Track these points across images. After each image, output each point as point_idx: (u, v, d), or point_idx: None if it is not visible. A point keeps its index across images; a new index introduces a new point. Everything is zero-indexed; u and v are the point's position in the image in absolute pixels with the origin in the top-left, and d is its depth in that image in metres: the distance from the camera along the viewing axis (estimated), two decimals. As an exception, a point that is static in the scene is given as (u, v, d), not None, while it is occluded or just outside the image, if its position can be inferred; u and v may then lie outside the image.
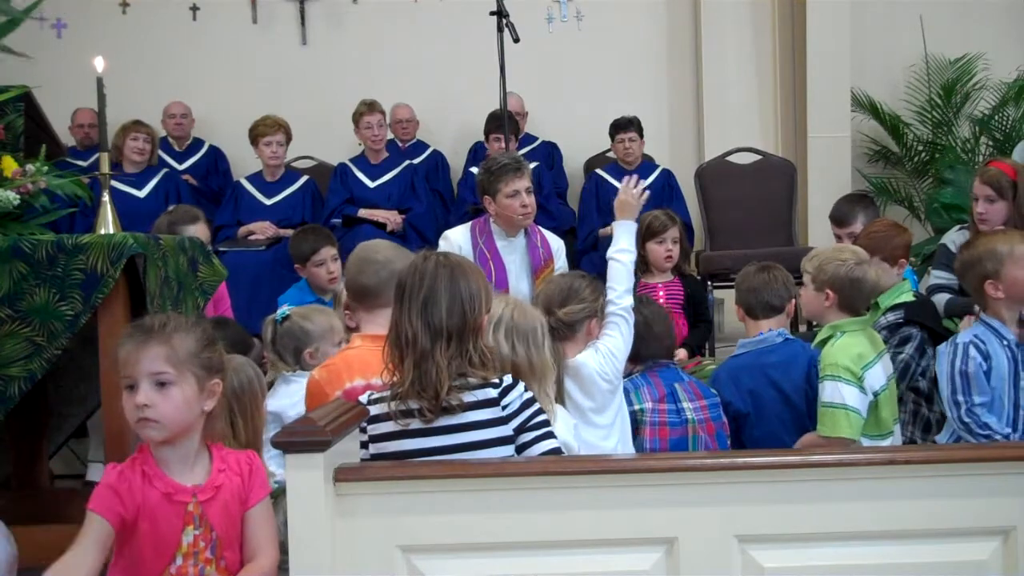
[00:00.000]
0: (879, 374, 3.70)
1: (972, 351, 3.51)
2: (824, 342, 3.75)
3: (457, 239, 5.03)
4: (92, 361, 3.68)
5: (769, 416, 3.94)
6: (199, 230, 4.98)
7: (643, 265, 5.44)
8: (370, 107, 7.15)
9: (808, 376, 3.88)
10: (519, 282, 4.94)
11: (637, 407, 3.70)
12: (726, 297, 6.66)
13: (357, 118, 7.18)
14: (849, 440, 3.54)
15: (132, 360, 2.43)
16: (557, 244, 5.18)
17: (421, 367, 2.57)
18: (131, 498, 2.42)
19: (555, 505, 2.37)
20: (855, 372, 3.60)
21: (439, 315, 2.59)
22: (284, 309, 4.02)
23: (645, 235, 5.41)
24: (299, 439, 2.31)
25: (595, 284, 3.59)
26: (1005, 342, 3.55)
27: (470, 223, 5.17)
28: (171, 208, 5.42)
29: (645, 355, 3.90)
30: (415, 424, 2.58)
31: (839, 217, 5.32)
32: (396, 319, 2.63)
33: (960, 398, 3.52)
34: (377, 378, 2.86)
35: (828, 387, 3.62)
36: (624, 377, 3.83)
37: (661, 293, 5.34)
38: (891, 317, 4.22)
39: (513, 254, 5.02)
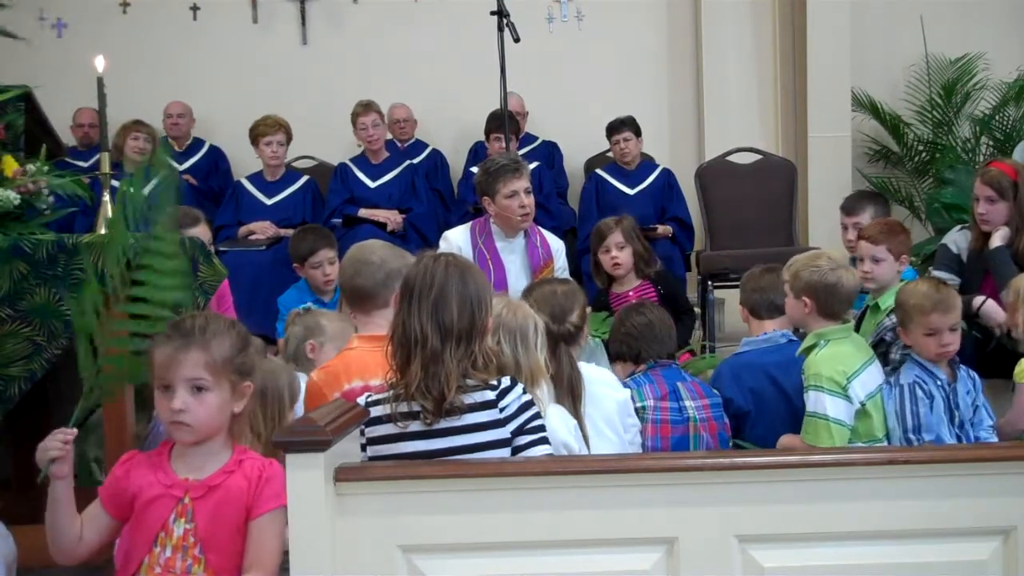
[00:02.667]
0: (867, 381, 3.68)
1: (919, 392, 3.58)
2: (809, 350, 3.73)
3: (457, 239, 5.04)
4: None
5: (770, 415, 3.94)
6: (200, 231, 4.95)
7: (606, 278, 5.40)
8: (366, 107, 7.14)
9: None
10: (518, 282, 4.94)
11: (639, 404, 3.71)
12: (726, 297, 6.66)
13: (354, 119, 7.18)
14: None
15: (171, 364, 2.46)
16: (557, 244, 5.18)
17: (430, 368, 2.55)
18: (128, 485, 2.50)
19: (555, 505, 2.37)
20: (839, 383, 3.58)
21: (450, 316, 2.57)
22: (310, 305, 4.00)
23: (594, 244, 5.38)
24: (299, 439, 2.30)
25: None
26: (939, 382, 3.60)
27: (470, 223, 5.18)
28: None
29: (647, 356, 3.92)
30: (414, 426, 2.57)
31: (848, 206, 5.32)
32: (403, 319, 2.61)
33: (912, 436, 3.57)
34: (376, 379, 2.86)
35: (812, 397, 3.60)
36: (626, 377, 3.85)
37: (633, 300, 5.27)
38: (894, 319, 4.21)
39: (512, 254, 5.03)
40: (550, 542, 2.37)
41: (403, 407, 2.57)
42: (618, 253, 5.31)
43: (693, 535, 2.35)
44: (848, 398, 3.59)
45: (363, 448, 2.61)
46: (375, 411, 2.61)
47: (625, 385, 3.73)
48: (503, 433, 2.59)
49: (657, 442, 3.74)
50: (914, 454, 2.61)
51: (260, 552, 2.44)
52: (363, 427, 2.60)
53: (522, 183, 4.93)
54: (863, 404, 3.64)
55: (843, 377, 3.59)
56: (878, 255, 4.32)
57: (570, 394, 3.29)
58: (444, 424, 2.57)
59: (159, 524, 2.45)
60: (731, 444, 3.88)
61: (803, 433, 3.63)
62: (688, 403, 3.81)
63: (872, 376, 3.72)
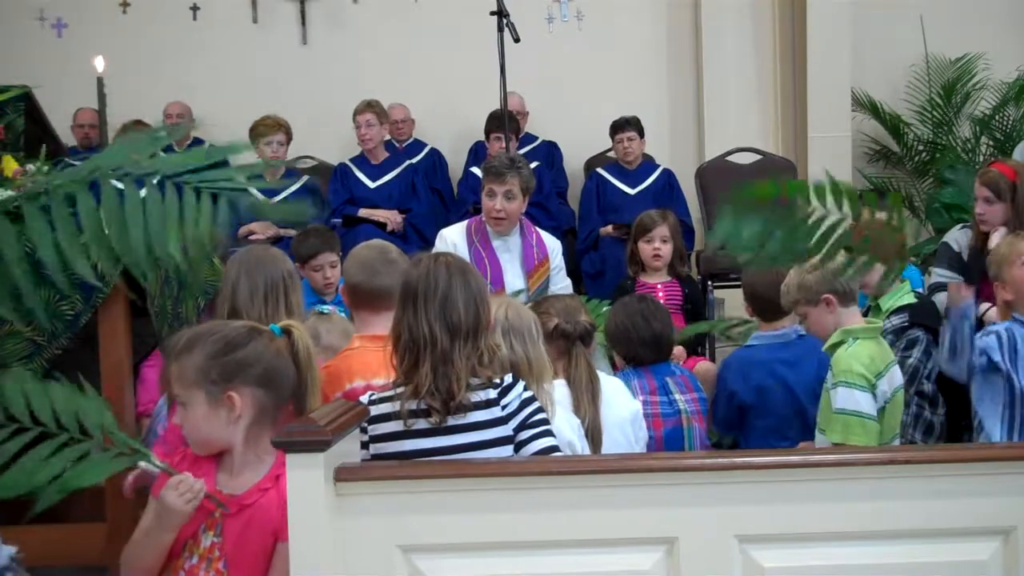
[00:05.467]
0: (893, 380, 3.67)
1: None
2: (834, 347, 3.70)
3: (453, 238, 5.07)
4: (92, 361, 3.68)
5: (773, 411, 3.94)
6: None
7: (639, 265, 5.47)
8: (367, 106, 7.14)
9: (818, 376, 3.85)
10: (515, 281, 4.97)
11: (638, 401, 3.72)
12: (726, 297, 6.67)
13: (353, 116, 7.18)
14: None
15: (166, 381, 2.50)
16: (553, 244, 5.20)
17: (439, 369, 2.56)
18: None
19: (555, 505, 2.37)
20: (869, 379, 3.56)
21: (457, 315, 2.59)
22: (327, 309, 3.98)
23: (636, 233, 5.45)
24: (299, 439, 2.30)
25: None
26: None
27: (466, 222, 5.21)
28: None
29: (642, 355, 3.94)
30: (419, 424, 2.58)
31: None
32: (408, 322, 2.61)
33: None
34: (378, 379, 2.87)
35: (842, 394, 3.53)
36: (615, 372, 3.88)
37: (660, 293, 5.35)
38: (895, 320, 4.19)
39: (508, 252, 5.05)
40: (550, 542, 2.37)
41: (410, 405, 2.58)
42: (661, 246, 5.36)
43: (693, 535, 2.35)
44: (875, 396, 3.57)
45: (365, 446, 2.62)
46: (378, 409, 2.62)
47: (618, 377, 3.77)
48: (506, 431, 2.61)
49: (650, 436, 3.75)
50: (914, 454, 2.61)
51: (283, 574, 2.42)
52: (365, 425, 2.60)
53: (502, 187, 4.94)
54: (887, 403, 3.62)
55: (873, 375, 3.57)
56: None
57: (589, 393, 3.32)
58: (448, 422, 2.58)
59: (189, 532, 2.45)
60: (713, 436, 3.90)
61: (829, 432, 3.55)
62: (678, 396, 3.85)
63: (896, 376, 3.70)
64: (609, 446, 3.32)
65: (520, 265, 5.03)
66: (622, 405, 3.48)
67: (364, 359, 3.09)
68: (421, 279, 2.63)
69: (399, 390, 2.61)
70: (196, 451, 2.50)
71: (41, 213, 1.93)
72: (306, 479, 2.30)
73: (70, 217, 1.93)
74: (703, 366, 5.02)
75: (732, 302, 5.92)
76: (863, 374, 3.55)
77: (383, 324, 3.16)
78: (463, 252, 4.91)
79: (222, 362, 2.45)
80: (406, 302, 2.64)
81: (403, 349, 2.62)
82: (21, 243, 1.92)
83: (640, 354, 3.93)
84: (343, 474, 2.36)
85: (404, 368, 2.62)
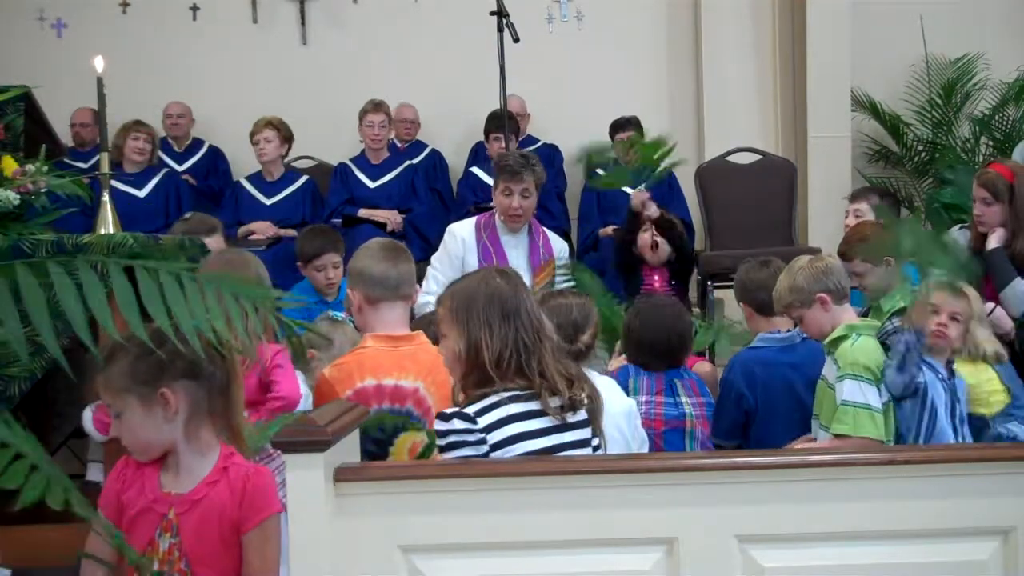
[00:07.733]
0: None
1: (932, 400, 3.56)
2: (836, 342, 3.69)
3: (461, 232, 5.13)
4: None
5: (780, 414, 3.93)
6: (216, 242, 4.84)
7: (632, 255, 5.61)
8: (376, 107, 7.17)
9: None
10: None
11: (631, 398, 3.71)
12: (726, 297, 6.66)
13: (361, 115, 7.19)
14: (876, 441, 3.47)
15: None
16: (560, 246, 5.24)
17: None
18: (120, 497, 2.47)
19: (555, 505, 2.37)
20: (876, 373, 3.55)
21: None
22: (341, 316, 3.97)
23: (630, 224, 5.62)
24: (299, 439, 2.31)
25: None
26: (940, 375, 3.57)
27: (476, 217, 5.25)
28: (188, 215, 5.35)
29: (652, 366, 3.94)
30: (546, 423, 2.63)
31: (852, 195, 5.47)
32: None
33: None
34: (389, 379, 2.88)
35: (849, 386, 3.52)
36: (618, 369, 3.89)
37: (655, 277, 5.64)
38: (896, 322, 4.18)
39: (516, 249, 5.10)
40: (550, 542, 2.38)
41: (535, 405, 2.63)
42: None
43: (693, 535, 2.36)
44: (880, 391, 3.56)
45: (480, 443, 2.58)
46: (497, 413, 2.60)
47: (622, 372, 3.76)
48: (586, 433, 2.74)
49: (650, 434, 3.75)
50: (914, 454, 2.61)
51: (255, 566, 2.41)
52: (481, 435, 2.57)
53: (519, 185, 4.99)
54: (889, 402, 3.62)
55: (878, 370, 3.57)
56: (855, 269, 4.18)
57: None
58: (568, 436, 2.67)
59: (146, 540, 2.43)
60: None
61: (836, 424, 3.53)
62: (684, 399, 3.85)
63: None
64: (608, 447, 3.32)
65: (527, 263, 5.05)
66: (614, 402, 3.46)
67: (376, 358, 3.10)
68: (513, 290, 2.70)
69: (510, 394, 2.61)
70: (138, 458, 2.47)
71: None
72: (306, 479, 2.31)
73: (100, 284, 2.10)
74: (703, 367, 5.02)
75: (732, 303, 5.92)
76: (870, 368, 3.54)
77: (398, 321, 3.21)
78: (471, 246, 4.99)
79: (147, 362, 2.40)
80: (510, 314, 2.65)
81: (515, 351, 2.62)
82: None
83: (649, 363, 3.92)
84: (343, 474, 2.37)
85: (530, 370, 2.62)
